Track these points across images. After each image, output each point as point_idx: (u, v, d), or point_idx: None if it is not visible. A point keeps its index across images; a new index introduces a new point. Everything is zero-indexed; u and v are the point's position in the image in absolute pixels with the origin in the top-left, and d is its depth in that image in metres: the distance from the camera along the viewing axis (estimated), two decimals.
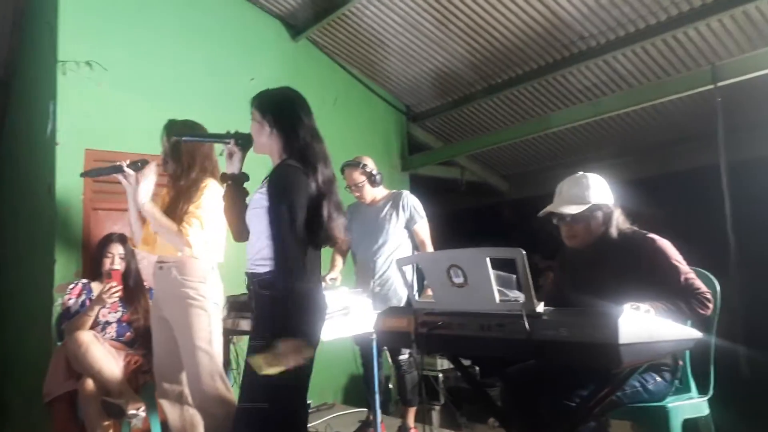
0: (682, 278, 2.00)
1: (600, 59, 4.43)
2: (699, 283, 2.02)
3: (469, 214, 7.09)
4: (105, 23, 4.11)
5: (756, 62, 3.56)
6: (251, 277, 2.03)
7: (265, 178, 2.17)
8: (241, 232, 2.17)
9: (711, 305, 1.98)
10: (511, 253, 1.67)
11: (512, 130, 5.39)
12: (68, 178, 3.84)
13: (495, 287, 1.75)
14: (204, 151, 2.63)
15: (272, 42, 5.00)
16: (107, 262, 3.16)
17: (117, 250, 3.19)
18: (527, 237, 3.22)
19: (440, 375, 4.54)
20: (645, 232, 2.17)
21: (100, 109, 4.00)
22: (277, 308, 1.89)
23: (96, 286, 3.18)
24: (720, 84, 3.65)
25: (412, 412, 3.47)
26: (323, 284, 3.10)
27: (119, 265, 3.15)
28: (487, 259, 1.73)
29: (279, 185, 1.95)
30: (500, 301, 1.76)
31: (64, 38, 3.95)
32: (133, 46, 4.22)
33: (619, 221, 2.20)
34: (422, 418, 4.23)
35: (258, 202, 2.02)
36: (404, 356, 3.36)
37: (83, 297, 3.14)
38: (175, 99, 4.23)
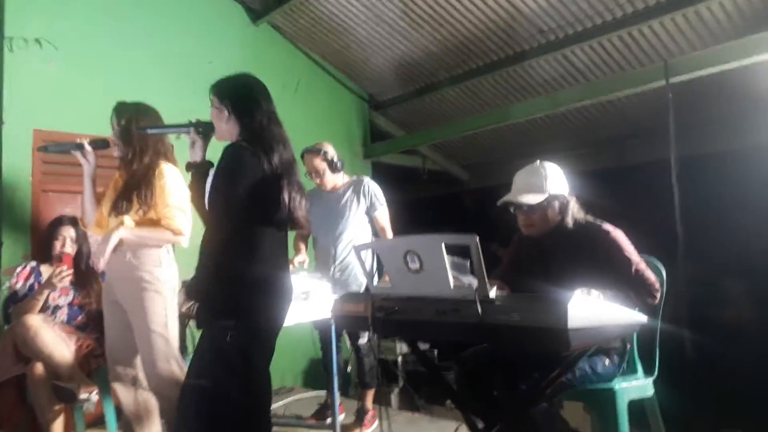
0: (633, 269, 2.08)
1: (558, 53, 4.52)
2: (649, 274, 2.09)
3: (430, 203, 7.15)
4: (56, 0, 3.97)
5: (707, 60, 3.68)
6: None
7: None
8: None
9: (658, 295, 2.07)
10: (465, 239, 1.70)
11: (473, 121, 5.44)
12: (15, 159, 3.72)
13: (450, 273, 1.78)
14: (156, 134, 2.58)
15: (232, 25, 4.92)
16: (58, 245, 3.07)
17: (68, 232, 3.10)
18: (486, 225, 3.26)
19: (399, 359, 4.61)
20: (600, 222, 2.23)
21: (49, 88, 3.87)
22: (232, 289, 1.91)
23: (46, 270, 3.08)
24: (672, 80, 3.76)
25: (370, 395, 3.50)
26: (291, 267, 3.11)
27: (70, 248, 3.07)
28: (442, 245, 1.75)
29: (218, 165, 1.98)
30: (454, 286, 1.79)
31: (11, 13, 3.80)
32: (86, 24, 4.08)
33: (575, 211, 2.25)
34: (381, 400, 4.28)
35: (209, 182, 2.04)
36: (363, 341, 3.39)
37: (32, 280, 3.04)
38: (129, 80, 4.12)
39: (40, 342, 2.70)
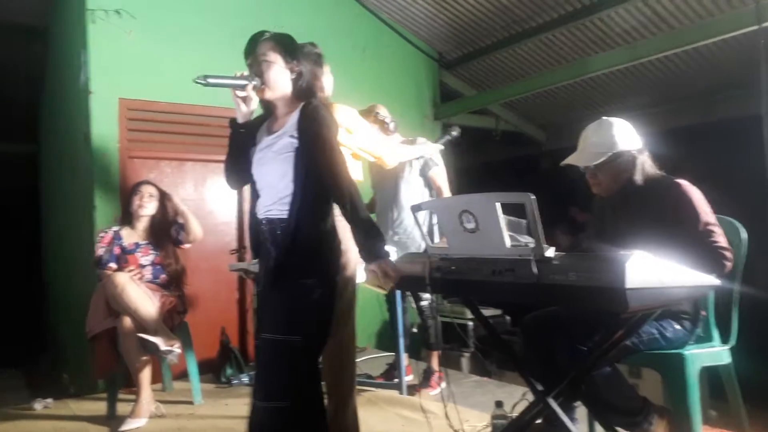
0: (702, 226, 1.94)
1: (639, 0, 4.22)
2: (719, 237, 1.92)
3: (504, 166, 7.00)
4: None
5: None
6: (275, 222, 1.93)
7: (262, 120, 2.05)
8: (242, 180, 2.07)
9: (728, 263, 1.88)
10: (520, 197, 1.65)
11: (547, 76, 5.23)
12: (103, 127, 3.95)
13: (505, 232, 1.75)
14: None
15: None
16: (136, 200, 3.25)
17: (148, 189, 3.29)
18: (565, 189, 3.13)
19: (470, 323, 4.60)
20: (673, 177, 2.11)
21: (130, 57, 4.06)
22: (321, 247, 1.91)
23: (126, 233, 3.26)
24: (765, 24, 3.43)
25: (435, 356, 3.54)
26: None
27: (149, 203, 3.25)
28: (497, 204, 1.72)
29: (326, 122, 1.91)
30: (511, 246, 1.76)
31: None
32: None
33: (646, 166, 2.14)
34: (450, 363, 4.32)
35: (285, 145, 1.92)
36: (426, 302, 3.41)
37: (113, 245, 3.21)
38: (203, 47, 4.25)
39: (127, 298, 2.92)
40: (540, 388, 1.95)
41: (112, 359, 3.00)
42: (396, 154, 2.90)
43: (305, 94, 2.01)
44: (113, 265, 3.14)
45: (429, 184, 3.45)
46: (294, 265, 1.90)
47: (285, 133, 1.96)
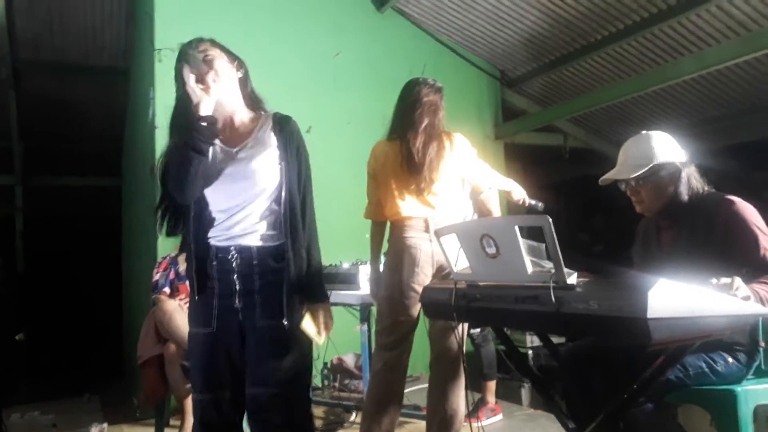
0: (762, 251, 1.73)
1: (712, 5, 3.93)
2: None
3: (576, 185, 6.69)
4: (197, 9, 4.33)
5: None
6: (251, 250, 1.70)
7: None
8: (198, 192, 1.72)
9: None
10: (538, 220, 1.54)
11: (613, 89, 4.97)
12: None
13: (526, 257, 1.63)
14: None
15: (357, 14, 4.98)
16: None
17: None
18: None
19: (530, 352, 4.35)
20: (723, 193, 1.90)
21: None
22: (315, 278, 1.80)
23: (182, 259, 3.34)
24: None
25: (490, 387, 3.37)
26: None
27: None
28: (516, 228, 1.61)
29: (299, 141, 1.82)
30: (533, 271, 1.63)
31: (159, 26, 4.23)
32: (224, 29, 4.27)
33: (692, 181, 1.95)
34: (509, 394, 4.10)
35: (268, 159, 1.72)
36: (476, 330, 3.26)
37: (169, 270, 3.30)
38: (264, 80, 4.29)
39: (174, 325, 2.98)
40: (572, 426, 1.78)
41: (160, 386, 3.05)
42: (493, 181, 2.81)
43: (257, 100, 1.86)
44: (167, 290, 3.23)
45: (479, 208, 3.14)
46: (285, 298, 1.70)
47: (259, 145, 1.75)
